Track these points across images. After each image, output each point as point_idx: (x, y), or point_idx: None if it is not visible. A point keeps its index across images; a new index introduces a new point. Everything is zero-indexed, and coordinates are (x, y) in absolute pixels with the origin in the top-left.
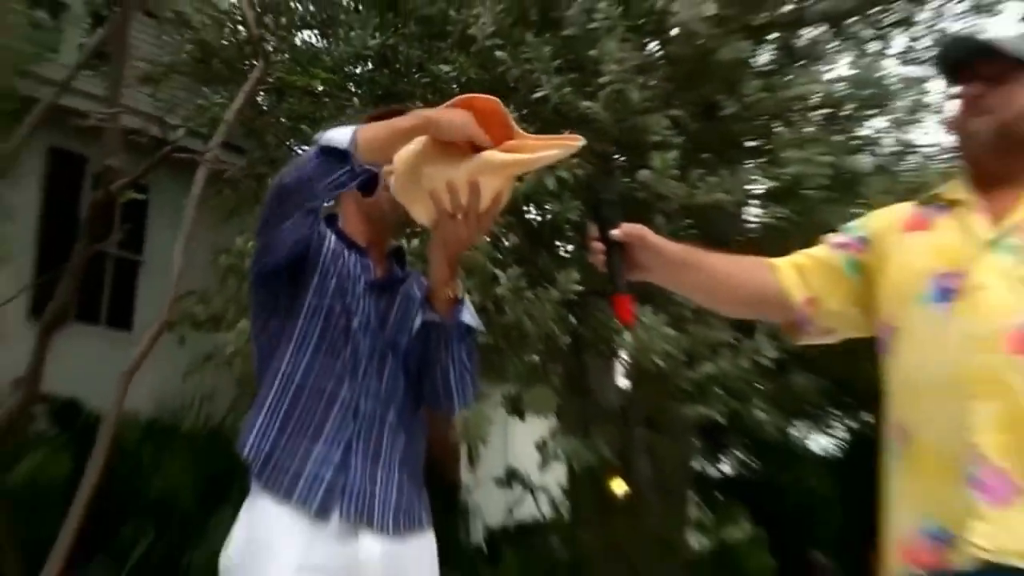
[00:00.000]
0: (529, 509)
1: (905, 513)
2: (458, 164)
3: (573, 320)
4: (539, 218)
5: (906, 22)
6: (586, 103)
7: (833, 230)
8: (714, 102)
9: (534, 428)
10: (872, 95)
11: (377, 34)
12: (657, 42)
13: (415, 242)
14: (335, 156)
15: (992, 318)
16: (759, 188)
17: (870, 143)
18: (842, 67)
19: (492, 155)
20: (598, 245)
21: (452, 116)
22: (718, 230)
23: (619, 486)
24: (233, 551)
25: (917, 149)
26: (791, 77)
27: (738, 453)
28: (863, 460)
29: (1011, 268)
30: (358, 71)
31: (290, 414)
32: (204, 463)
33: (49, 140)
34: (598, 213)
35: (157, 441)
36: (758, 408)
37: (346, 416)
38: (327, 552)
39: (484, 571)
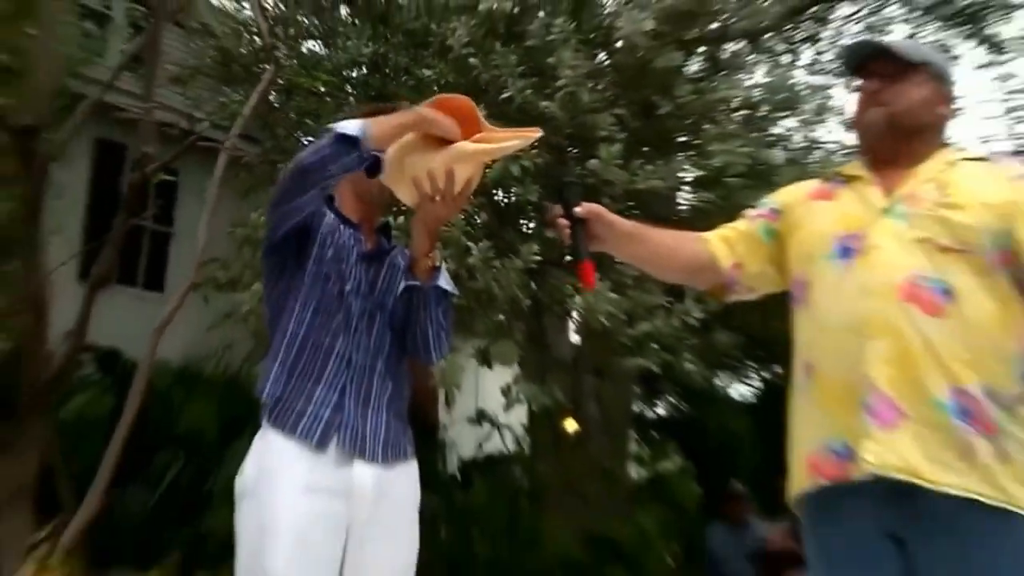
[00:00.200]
0: (496, 444)
1: (812, 433)
2: (436, 154)
3: (533, 286)
4: (505, 200)
5: (812, 38)
6: (544, 103)
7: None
8: (652, 103)
9: (500, 376)
10: (784, 99)
11: (370, 44)
12: (604, 52)
13: (400, 219)
14: (348, 143)
15: (885, 272)
16: (689, 176)
17: (782, 139)
18: (759, 75)
19: (464, 146)
20: (563, 220)
21: (439, 115)
22: (655, 211)
23: (571, 425)
24: (247, 476)
25: (821, 145)
26: (716, 83)
27: (670, 398)
28: (774, 405)
29: (901, 231)
30: (354, 75)
31: (296, 364)
32: (224, 403)
33: (95, 131)
34: (563, 194)
35: (184, 385)
36: (687, 360)
37: (341, 365)
38: (326, 476)
39: (458, 495)
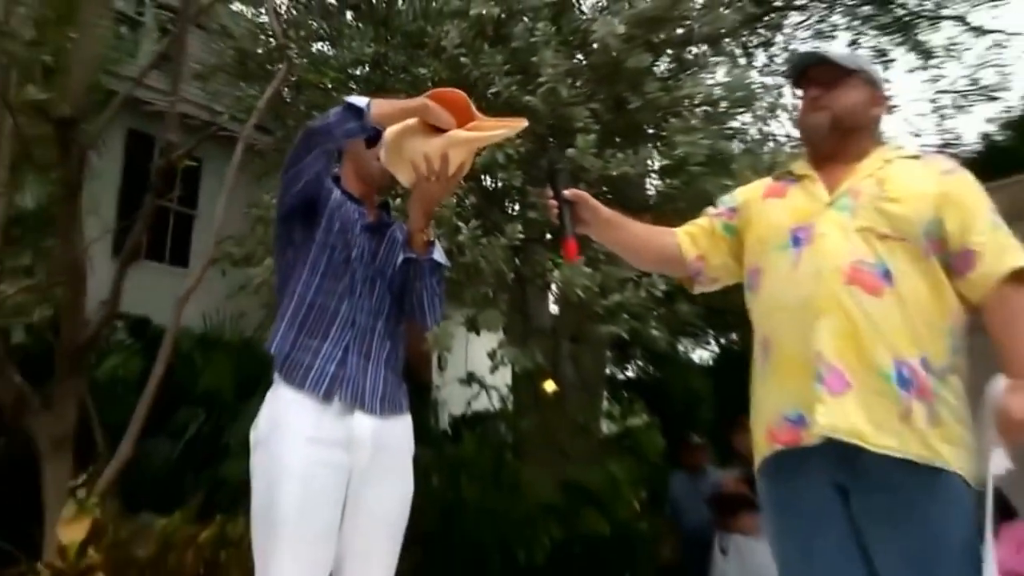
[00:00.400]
0: (483, 402)
1: (770, 405)
2: (431, 140)
3: (517, 261)
4: (492, 184)
5: (766, 43)
6: (528, 98)
7: (711, 196)
8: (623, 98)
9: (487, 341)
10: (741, 97)
11: (372, 45)
12: (581, 53)
13: (398, 201)
14: (353, 113)
15: (832, 258)
16: (656, 164)
17: (739, 132)
18: (719, 75)
19: (458, 133)
20: (552, 202)
21: (437, 106)
22: (626, 196)
23: (550, 385)
24: (260, 427)
25: (774, 137)
26: (681, 81)
27: (639, 362)
28: (731, 368)
29: (845, 222)
30: (358, 72)
31: (303, 324)
32: (239, 366)
33: (127, 122)
34: (552, 179)
35: (205, 349)
36: (653, 328)
37: (345, 326)
38: (330, 426)
39: (448, 448)
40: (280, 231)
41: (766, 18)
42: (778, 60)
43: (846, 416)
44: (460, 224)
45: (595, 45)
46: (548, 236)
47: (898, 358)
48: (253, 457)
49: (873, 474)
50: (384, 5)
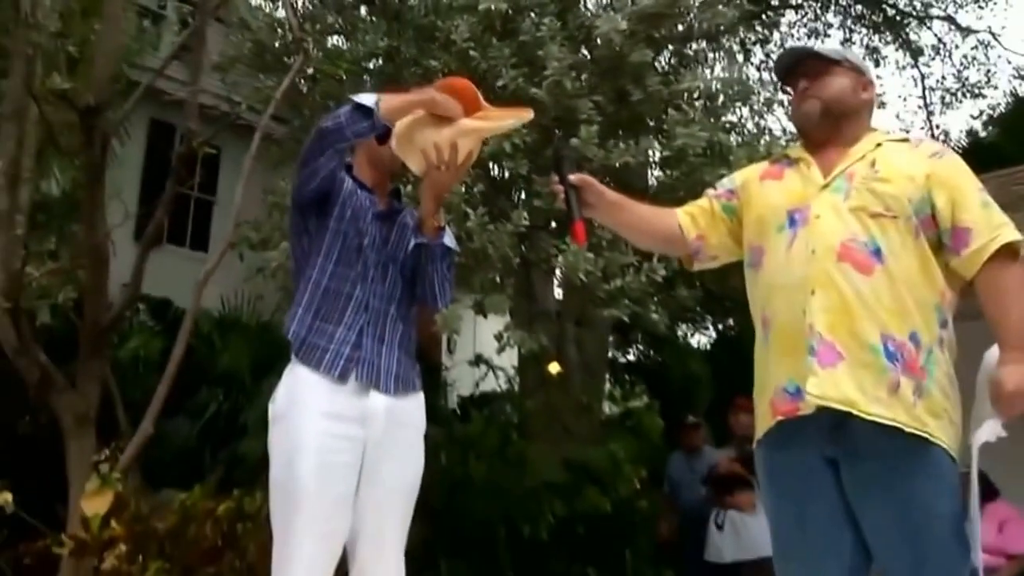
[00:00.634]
0: (490, 383)
1: (772, 379)
2: (441, 130)
3: (523, 247)
4: (499, 173)
5: (763, 40)
6: (534, 90)
7: (708, 186)
8: (625, 91)
9: (494, 324)
10: (738, 91)
11: (385, 38)
12: (585, 48)
13: (408, 188)
14: (363, 112)
15: (825, 237)
16: (656, 155)
17: (736, 125)
18: (717, 70)
19: (466, 122)
20: (559, 187)
21: (444, 97)
22: (627, 185)
23: (554, 367)
24: (278, 403)
25: (770, 131)
26: (681, 76)
27: (640, 345)
28: (728, 353)
29: (838, 203)
30: (371, 65)
31: (319, 308)
32: (257, 347)
33: (149, 111)
34: (559, 164)
35: (223, 330)
36: (653, 312)
37: (359, 310)
38: (346, 404)
39: (457, 427)
40: (295, 220)
41: (763, 16)
42: (774, 56)
43: (837, 386)
44: (468, 211)
45: (599, 40)
46: (553, 223)
47: (886, 333)
48: (271, 431)
49: (861, 443)
50: (396, 0)
